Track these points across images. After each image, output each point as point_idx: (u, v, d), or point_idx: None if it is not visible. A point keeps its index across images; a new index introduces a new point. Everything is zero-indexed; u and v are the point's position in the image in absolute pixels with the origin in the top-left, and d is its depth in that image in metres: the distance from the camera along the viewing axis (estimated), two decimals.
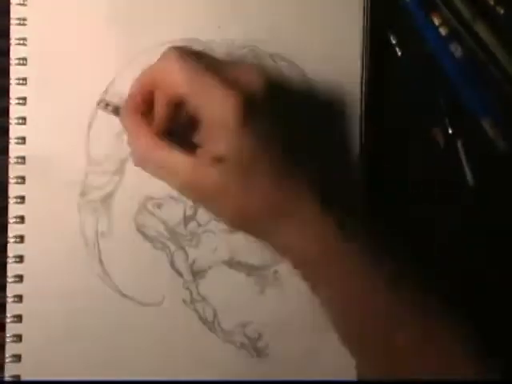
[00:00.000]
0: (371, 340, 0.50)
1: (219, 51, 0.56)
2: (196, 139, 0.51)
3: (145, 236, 0.56)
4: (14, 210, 0.55)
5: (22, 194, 0.55)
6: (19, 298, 0.55)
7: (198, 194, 0.50)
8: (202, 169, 0.48)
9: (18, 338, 0.55)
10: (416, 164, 0.60)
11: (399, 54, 0.59)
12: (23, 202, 0.55)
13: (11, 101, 0.55)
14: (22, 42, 0.55)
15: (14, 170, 0.55)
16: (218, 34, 0.56)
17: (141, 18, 0.56)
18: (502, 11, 0.59)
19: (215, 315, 0.57)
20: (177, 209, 0.57)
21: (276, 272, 0.58)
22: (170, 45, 0.55)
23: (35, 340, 0.55)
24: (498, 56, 0.58)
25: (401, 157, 0.60)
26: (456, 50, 0.59)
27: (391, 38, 0.59)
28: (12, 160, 0.55)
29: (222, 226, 0.56)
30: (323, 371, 0.58)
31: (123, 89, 0.55)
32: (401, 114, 0.60)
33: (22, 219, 0.55)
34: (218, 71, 0.49)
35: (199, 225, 0.57)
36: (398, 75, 0.60)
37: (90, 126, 0.55)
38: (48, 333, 0.55)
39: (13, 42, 0.55)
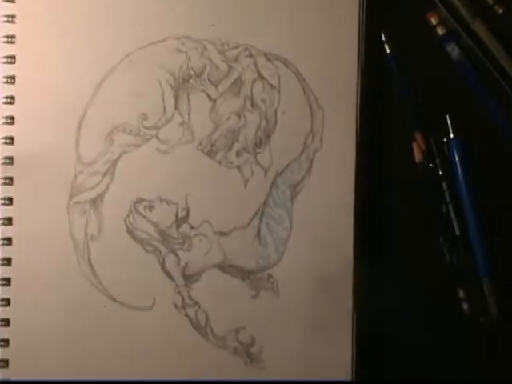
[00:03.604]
0: None
1: (212, 49, 0.56)
2: None
3: (135, 239, 0.56)
4: (1, 211, 0.55)
5: (10, 195, 0.55)
6: (7, 302, 0.55)
7: None
8: None
9: (6, 342, 0.55)
10: None
11: (388, 51, 0.59)
12: (11, 203, 0.55)
13: None
14: (10, 39, 0.55)
15: (1, 171, 0.55)
16: (212, 32, 0.56)
17: (134, 16, 0.56)
18: (500, 10, 0.59)
19: (207, 320, 0.56)
20: (168, 211, 0.56)
21: (270, 276, 0.57)
22: (163, 43, 0.55)
23: (23, 344, 0.55)
24: (497, 55, 0.58)
25: None
26: (453, 50, 0.59)
27: (382, 35, 0.59)
28: None
29: (215, 229, 0.56)
30: (318, 376, 0.57)
31: (116, 87, 0.55)
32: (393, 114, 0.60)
33: (9, 221, 0.55)
34: None
35: (191, 227, 0.56)
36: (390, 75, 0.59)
37: (79, 126, 0.55)
38: (36, 337, 0.55)
39: (1, 39, 0.55)
